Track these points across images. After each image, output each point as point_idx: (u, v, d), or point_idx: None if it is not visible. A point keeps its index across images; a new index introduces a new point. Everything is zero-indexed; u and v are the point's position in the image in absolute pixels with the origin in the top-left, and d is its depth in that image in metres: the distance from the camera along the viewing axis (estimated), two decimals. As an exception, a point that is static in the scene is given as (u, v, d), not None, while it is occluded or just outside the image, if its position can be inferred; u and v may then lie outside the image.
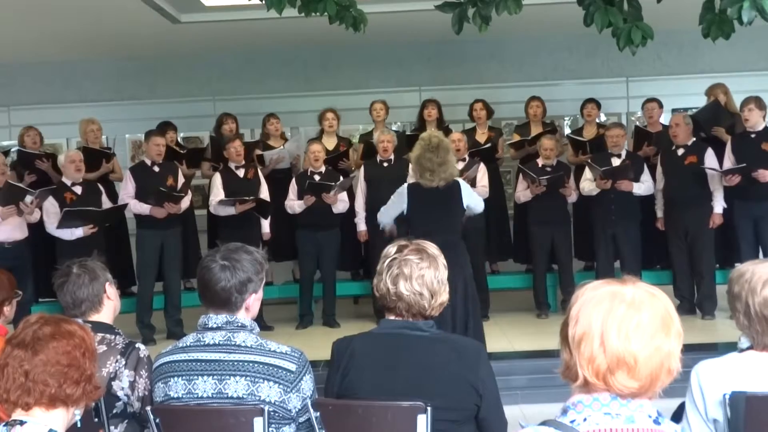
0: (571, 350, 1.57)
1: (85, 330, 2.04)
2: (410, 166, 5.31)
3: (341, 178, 6.86)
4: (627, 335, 1.52)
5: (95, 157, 7.05)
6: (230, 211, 6.66)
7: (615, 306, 1.55)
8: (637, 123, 7.67)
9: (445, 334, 2.62)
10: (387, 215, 5.19)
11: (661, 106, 7.41)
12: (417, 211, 4.99)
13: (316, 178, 6.83)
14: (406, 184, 5.16)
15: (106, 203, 6.53)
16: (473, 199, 5.10)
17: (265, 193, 6.85)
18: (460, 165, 6.47)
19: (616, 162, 6.74)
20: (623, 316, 1.54)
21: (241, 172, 6.84)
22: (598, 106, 7.68)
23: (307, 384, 2.48)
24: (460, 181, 5.03)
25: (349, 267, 7.69)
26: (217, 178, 6.81)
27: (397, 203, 5.07)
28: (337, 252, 6.99)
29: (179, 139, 7.94)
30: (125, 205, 6.51)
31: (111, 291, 2.88)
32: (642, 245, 6.85)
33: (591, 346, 1.54)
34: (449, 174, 4.95)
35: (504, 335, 6.30)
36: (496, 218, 7.22)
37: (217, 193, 6.72)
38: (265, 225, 6.94)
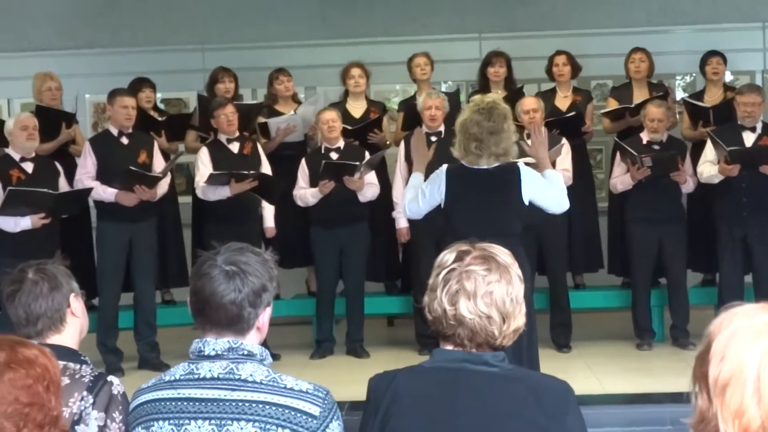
0: (710, 396, 1.58)
1: (46, 355, 2.06)
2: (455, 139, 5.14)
3: (367, 155, 6.89)
4: None
5: (52, 120, 7.01)
6: (224, 193, 6.68)
7: None
8: None
9: (520, 369, 2.64)
10: (416, 209, 5.08)
11: None
12: (457, 202, 4.90)
13: (333, 156, 6.87)
14: (444, 166, 5.05)
15: (64, 187, 6.55)
16: (544, 193, 4.95)
17: (267, 172, 6.89)
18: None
19: (749, 138, 6.69)
20: None
21: (234, 147, 6.90)
22: (725, 60, 7.64)
23: (335, 434, 2.52)
24: (521, 164, 4.98)
25: (383, 277, 7.74)
26: (204, 154, 6.86)
27: (432, 191, 4.97)
28: (365, 256, 7.05)
29: (158, 102, 8.00)
30: (90, 190, 6.51)
31: (76, 305, 2.89)
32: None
33: (741, 395, 1.54)
34: (503, 149, 4.87)
35: (591, 372, 6.30)
36: (580, 214, 7.21)
37: (205, 172, 6.74)
38: (269, 217, 7.00)
